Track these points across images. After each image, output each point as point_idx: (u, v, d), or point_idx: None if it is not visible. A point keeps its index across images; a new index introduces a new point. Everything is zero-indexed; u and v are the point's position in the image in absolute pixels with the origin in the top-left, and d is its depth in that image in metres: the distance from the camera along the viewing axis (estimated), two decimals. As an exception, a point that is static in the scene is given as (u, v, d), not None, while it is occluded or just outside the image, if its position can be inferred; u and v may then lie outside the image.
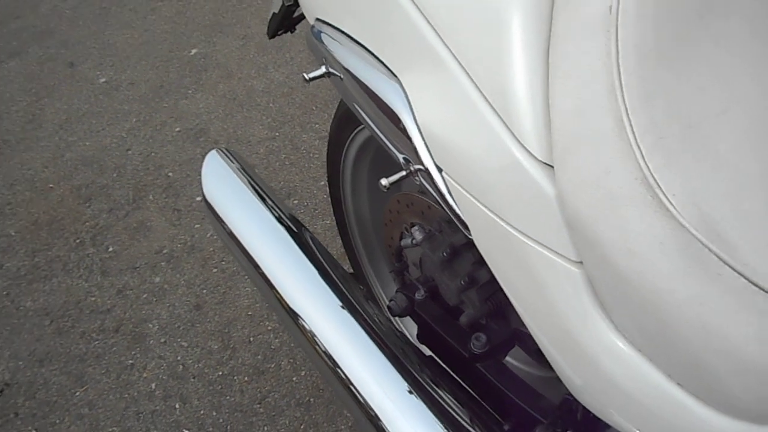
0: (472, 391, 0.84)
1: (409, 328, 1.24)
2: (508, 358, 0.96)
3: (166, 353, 1.54)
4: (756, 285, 0.38)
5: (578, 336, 0.51)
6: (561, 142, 0.47)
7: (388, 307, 0.93)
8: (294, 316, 0.88)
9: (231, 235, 0.97)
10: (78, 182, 1.97)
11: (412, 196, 0.94)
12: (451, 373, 0.87)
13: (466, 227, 0.60)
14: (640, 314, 0.45)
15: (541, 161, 0.49)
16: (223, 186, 1.00)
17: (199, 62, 2.38)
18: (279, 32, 1.06)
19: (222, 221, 0.99)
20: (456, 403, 0.78)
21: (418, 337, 0.92)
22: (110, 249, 1.78)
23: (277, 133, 2.06)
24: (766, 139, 0.42)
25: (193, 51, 2.43)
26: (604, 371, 0.50)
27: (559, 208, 0.48)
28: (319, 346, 0.85)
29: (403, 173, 0.67)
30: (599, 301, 0.49)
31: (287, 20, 1.00)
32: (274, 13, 1.01)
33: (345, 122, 1.02)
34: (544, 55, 0.49)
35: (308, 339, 0.87)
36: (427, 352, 0.93)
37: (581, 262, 0.49)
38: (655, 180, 0.41)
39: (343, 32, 0.73)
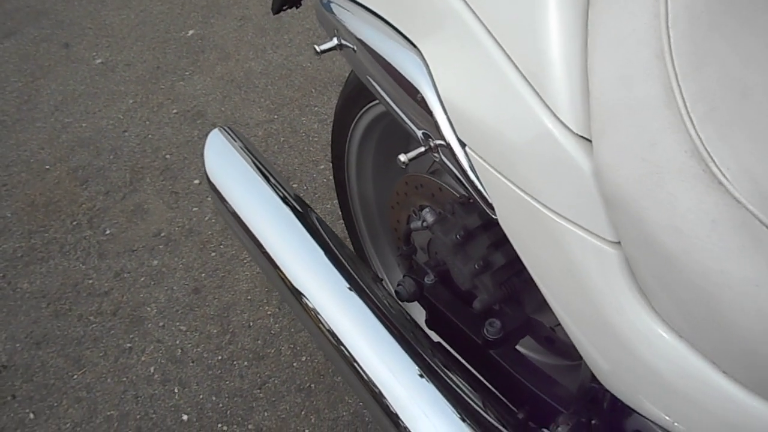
0: (483, 378, 0.82)
1: (415, 314, 1.21)
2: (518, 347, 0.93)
3: (165, 337, 1.51)
4: (818, 266, 0.35)
5: (612, 321, 0.48)
6: (601, 113, 0.43)
7: (396, 292, 0.90)
8: (300, 297, 0.85)
9: (235, 216, 0.94)
10: (74, 164, 1.93)
11: (421, 178, 0.90)
12: (461, 360, 0.85)
13: (490, 206, 0.57)
14: (686, 298, 0.42)
15: (576, 134, 0.46)
16: (226, 165, 0.96)
17: (196, 43, 2.33)
18: (284, 7, 1.02)
19: (225, 201, 0.96)
20: (468, 388, 0.76)
21: (427, 322, 0.90)
22: (107, 231, 1.75)
23: (276, 116, 2.02)
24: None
25: (190, 32, 2.38)
26: (640, 357, 0.47)
27: (596, 185, 0.45)
28: (326, 328, 0.82)
29: (422, 149, 0.64)
30: (637, 285, 0.46)
31: (293, -6, 0.96)
32: (280, -13, 0.97)
33: (353, 98, 0.98)
34: (581, 19, 0.46)
35: (314, 319, 0.84)
36: (436, 338, 0.90)
37: (619, 243, 0.46)
38: (707, 152, 0.38)
39: (355, 2, 0.69)
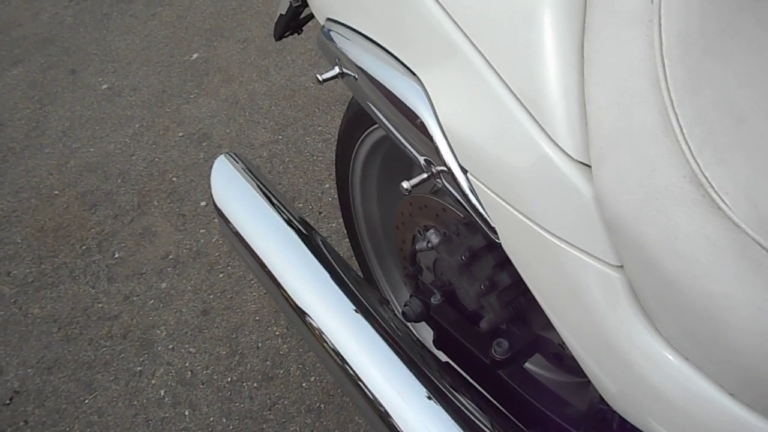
0: (492, 398, 0.82)
1: (423, 334, 1.22)
2: (526, 363, 0.93)
3: (174, 359, 1.52)
4: (818, 288, 0.36)
5: (618, 344, 0.48)
6: (599, 140, 0.44)
7: (403, 313, 0.91)
8: (307, 320, 0.86)
9: (241, 240, 0.95)
10: (83, 189, 1.95)
11: (425, 198, 0.91)
12: (470, 380, 0.85)
13: (493, 231, 0.57)
14: (689, 321, 0.42)
15: (576, 160, 0.47)
16: (232, 191, 0.98)
17: (200, 66, 2.36)
18: (286, 34, 1.04)
19: (232, 226, 0.97)
20: (477, 409, 0.76)
21: (435, 343, 0.90)
22: (116, 255, 1.76)
23: (280, 137, 2.04)
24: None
25: (195, 55, 2.41)
26: (647, 380, 0.47)
27: (597, 210, 0.46)
28: (333, 351, 0.82)
29: (425, 175, 0.65)
30: (641, 308, 0.46)
31: (294, 21, 0.97)
32: (281, 15, 0.98)
33: (355, 123, 0.99)
34: (578, 48, 0.47)
35: (322, 344, 0.84)
36: (444, 358, 0.90)
37: (622, 267, 0.46)
38: (705, 177, 0.39)
39: (356, 31, 0.70)
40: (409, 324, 1.16)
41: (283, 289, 0.89)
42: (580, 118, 0.46)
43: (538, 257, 0.53)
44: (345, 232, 1.35)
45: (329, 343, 0.83)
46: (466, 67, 0.53)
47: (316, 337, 0.85)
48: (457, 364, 0.87)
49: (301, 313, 0.87)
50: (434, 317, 0.87)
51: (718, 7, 0.41)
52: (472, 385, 0.85)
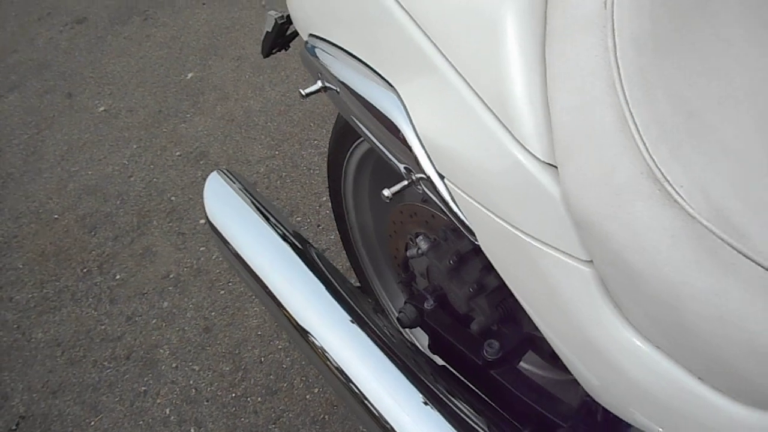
0: (488, 399, 0.83)
1: (419, 338, 1.23)
2: (522, 363, 0.95)
3: (179, 378, 1.53)
4: (772, 273, 0.37)
5: (593, 336, 0.50)
6: (563, 142, 0.46)
7: (398, 319, 0.92)
8: (304, 333, 0.87)
9: (237, 256, 0.97)
10: (82, 212, 1.97)
11: (415, 206, 0.93)
12: (466, 381, 0.86)
13: (472, 233, 0.59)
14: (655, 310, 0.44)
15: (544, 162, 0.48)
16: (226, 207, 0.99)
17: (195, 86, 2.39)
18: (273, 51, 1.06)
19: (227, 242, 0.99)
20: (473, 412, 0.77)
21: (430, 347, 0.91)
22: (117, 276, 1.78)
23: (277, 152, 2.06)
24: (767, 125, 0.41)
25: (189, 75, 2.45)
26: (622, 370, 0.49)
27: (565, 208, 0.48)
28: (331, 362, 0.84)
29: (405, 183, 0.67)
30: (613, 300, 0.48)
31: (281, 38, 1.00)
32: (267, 32, 1.01)
33: (343, 136, 1.02)
34: (540, 55, 0.49)
35: (320, 356, 0.86)
36: (440, 362, 0.92)
37: (591, 261, 0.48)
38: (661, 173, 0.41)
39: (337, 46, 0.73)
40: (406, 330, 1.18)
41: (279, 303, 0.91)
42: (545, 121, 0.48)
43: (514, 257, 0.54)
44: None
45: (326, 355, 0.84)
46: (438, 77, 0.55)
47: (314, 349, 0.86)
48: (452, 367, 0.88)
49: (298, 327, 0.88)
50: (428, 322, 0.89)
51: (667, 10, 0.43)
52: (468, 387, 0.86)
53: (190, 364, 1.56)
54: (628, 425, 0.59)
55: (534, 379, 0.85)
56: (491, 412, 0.82)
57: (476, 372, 0.82)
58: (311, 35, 0.79)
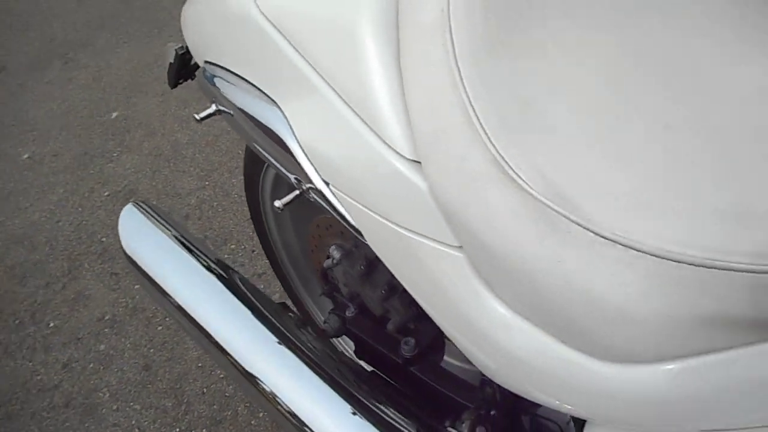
0: (414, 398, 0.86)
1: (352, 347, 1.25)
2: (448, 359, 0.98)
3: (121, 419, 1.50)
4: (601, 236, 0.42)
5: (473, 318, 0.53)
6: (422, 139, 0.50)
7: (323, 330, 0.94)
8: (231, 358, 0.88)
9: (156, 287, 0.97)
10: (10, 262, 1.92)
11: (329, 219, 0.96)
12: (392, 382, 0.89)
13: (361, 234, 0.62)
14: (516, 284, 0.48)
15: (410, 159, 0.52)
16: (142, 239, 1.00)
17: (121, 124, 2.37)
18: (180, 81, 1.08)
19: (146, 274, 0.98)
20: (399, 415, 0.79)
21: (356, 353, 0.94)
22: (51, 324, 1.74)
23: (207, 182, 2.06)
24: (591, 107, 0.46)
25: (114, 114, 2.43)
26: (503, 346, 0.53)
27: (433, 200, 0.51)
28: (259, 384, 0.85)
29: (297, 192, 0.70)
30: (484, 280, 0.52)
31: (184, 68, 1.02)
32: (170, 63, 1.03)
33: (254, 160, 1.04)
34: (397, 62, 0.53)
35: (248, 380, 0.86)
36: (370, 368, 0.94)
37: (461, 247, 0.52)
38: (503, 158, 0.45)
39: (228, 70, 0.75)
40: (339, 340, 1.20)
41: (204, 331, 0.91)
42: (407, 122, 0.52)
43: (398, 251, 0.58)
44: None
45: (256, 378, 0.85)
46: (313, 90, 0.59)
47: (243, 374, 0.87)
48: (378, 371, 0.91)
49: (225, 352, 0.89)
50: (350, 329, 0.91)
51: (496, 13, 0.48)
52: (397, 389, 0.89)
53: (132, 403, 1.53)
54: (534, 404, 0.62)
55: (460, 373, 0.88)
56: (418, 410, 0.85)
57: (398, 371, 0.85)
58: (206, 62, 0.82)
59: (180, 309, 0.94)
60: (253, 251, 1.82)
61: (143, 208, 1.02)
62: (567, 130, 0.45)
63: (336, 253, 0.86)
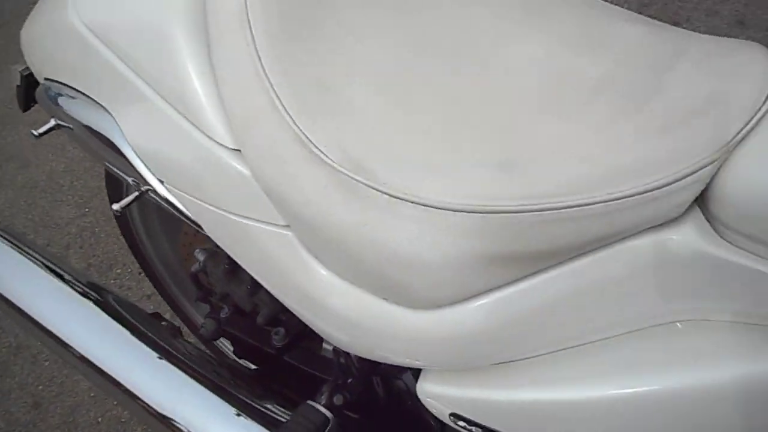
0: (290, 383, 0.89)
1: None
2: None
3: (10, 463, 1.43)
4: (395, 197, 0.47)
5: (309, 290, 0.57)
6: (237, 128, 0.54)
7: (200, 335, 0.95)
8: (113, 381, 0.87)
9: (30, 319, 0.94)
10: None
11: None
12: (271, 375, 0.91)
13: (200, 227, 0.65)
14: (334, 251, 0.52)
15: (231, 149, 0.56)
16: (5, 270, 0.96)
17: (-11, 160, 2.25)
18: (31, 104, 1.06)
19: (16, 307, 0.95)
20: (278, 407, 0.82)
21: (235, 353, 0.96)
22: (-76, 376, 1.63)
23: (87, 209, 2.00)
24: (383, 86, 0.51)
25: (-20, 151, 2.30)
26: (336, 311, 0.57)
27: (257, 184, 0.55)
28: (146, 404, 0.84)
29: (136, 194, 0.72)
30: (312, 253, 0.56)
31: (32, 89, 1.00)
32: (17, 86, 1.00)
33: (112, 179, 1.03)
34: (208, 57, 0.56)
35: (136, 402, 0.85)
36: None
37: (289, 226, 0.56)
38: (307, 138, 0.49)
39: (66, 85, 0.76)
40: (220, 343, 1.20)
41: (82, 357, 0.89)
42: (224, 113, 0.55)
43: (236, 238, 0.61)
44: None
45: (140, 399, 0.84)
46: (136, 93, 0.61)
47: (128, 395, 0.86)
48: (258, 366, 0.93)
49: (107, 377, 0.87)
50: (226, 330, 0.93)
51: (291, 4, 0.53)
52: (276, 379, 0.91)
53: (21, 445, 1.46)
54: (380, 364, 0.67)
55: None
56: (295, 395, 0.88)
57: (275, 362, 0.88)
58: (46, 78, 0.81)
59: (54, 337, 0.91)
60: (140, 273, 1.78)
61: (4, 238, 0.99)
62: (363, 107, 0.50)
63: (200, 256, 0.87)
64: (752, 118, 0.44)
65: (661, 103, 0.48)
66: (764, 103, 0.45)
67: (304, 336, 0.87)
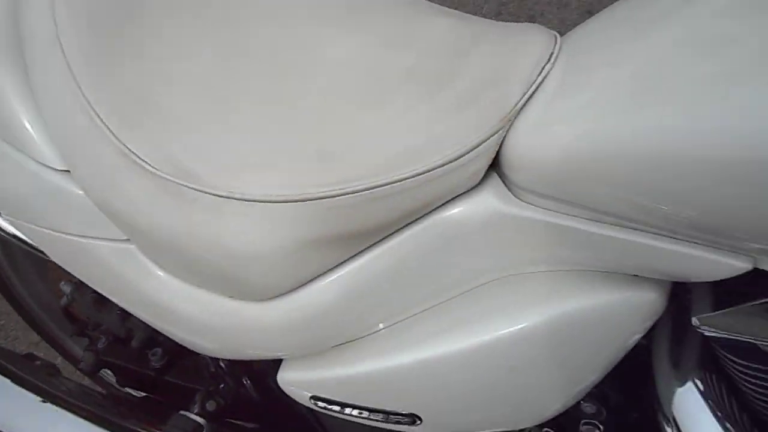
0: (174, 402, 0.88)
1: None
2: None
3: None
4: (219, 196, 0.50)
5: (158, 299, 0.59)
6: (63, 149, 0.54)
7: (80, 370, 0.93)
8: None
9: None
10: None
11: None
12: (154, 397, 0.91)
13: (44, 254, 0.65)
14: (173, 256, 0.54)
15: (62, 170, 0.56)
16: None
17: None
18: None
19: None
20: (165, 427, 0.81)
21: (118, 383, 0.94)
22: None
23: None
24: (202, 93, 0.54)
25: None
26: (191, 317, 0.59)
27: (93, 203, 0.56)
28: None
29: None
30: (153, 261, 0.57)
31: None
32: None
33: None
34: (27, 82, 0.57)
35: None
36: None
37: (129, 239, 0.57)
38: (129, 150, 0.51)
39: None
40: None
41: None
42: (51, 137, 0.56)
43: (81, 260, 0.61)
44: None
45: None
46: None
47: None
48: (144, 392, 0.92)
49: None
50: (106, 360, 0.91)
51: (102, 24, 0.54)
52: (158, 402, 0.90)
53: None
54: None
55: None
56: (175, 412, 0.88)
57: (158, 383, 0.87)
58: None
59: None
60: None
61: None
62: (183, 114, 0.52)
63: (66, 288, 0.86)
64: (528, 89, 0.50)
65: (458, 85, 0.53)
66: (539, 75, 0.51)
67: (182, 353, 0.87)
